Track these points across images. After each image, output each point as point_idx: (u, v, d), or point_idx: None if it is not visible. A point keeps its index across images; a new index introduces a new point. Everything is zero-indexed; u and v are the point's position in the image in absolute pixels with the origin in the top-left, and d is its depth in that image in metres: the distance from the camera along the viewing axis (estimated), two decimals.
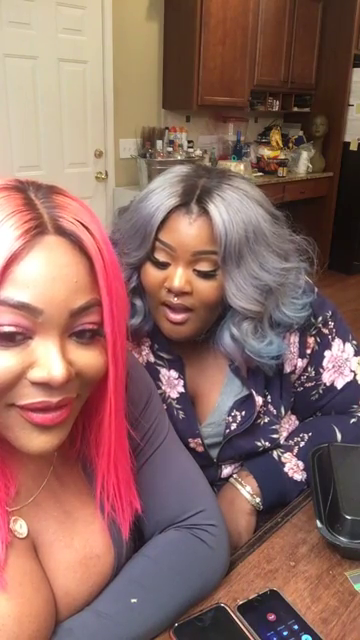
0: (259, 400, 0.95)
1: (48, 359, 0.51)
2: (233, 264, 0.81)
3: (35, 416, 0.53)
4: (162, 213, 0.81)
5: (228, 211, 0.80)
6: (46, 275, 0.50)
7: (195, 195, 0.81)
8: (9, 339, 0.50)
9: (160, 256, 0.84)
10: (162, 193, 0.82)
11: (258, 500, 0.95)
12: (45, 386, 0.51)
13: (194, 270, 0.83)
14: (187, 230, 0.81)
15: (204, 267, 0.83)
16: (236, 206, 0.81)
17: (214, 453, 0.99)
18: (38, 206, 0.51)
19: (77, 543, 0.66)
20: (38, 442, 0.54)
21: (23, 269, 0.49)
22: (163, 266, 0.84)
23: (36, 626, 0.58)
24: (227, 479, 1.01)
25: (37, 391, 0.52)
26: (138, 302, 0.91)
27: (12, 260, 0.49)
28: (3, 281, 0.48)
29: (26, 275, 0.49)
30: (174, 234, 0.82)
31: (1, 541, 0.57)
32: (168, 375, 0.96)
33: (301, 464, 0.98)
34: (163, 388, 0.96)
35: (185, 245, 0.82)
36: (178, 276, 0.82)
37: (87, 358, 0.54)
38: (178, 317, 0.85)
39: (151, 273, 0.85)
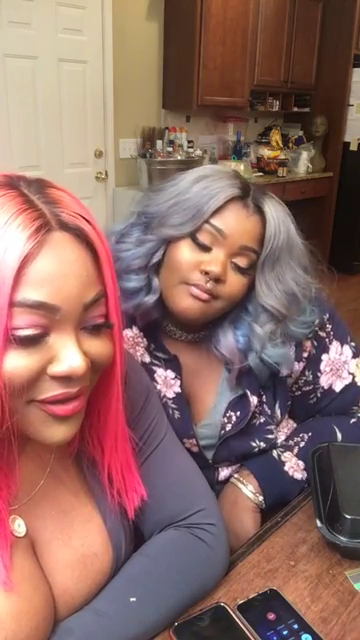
0: (254, 400, 0.95)
1: (67, 353, 0.52)
2: (269, 266, 0.86)
3: (56, 408, 0.54)
4: (223, 198, 0.83)
5: (279, 217, 0.86)
6: (59, 272, 0.50)
7: (251, 192, 0.86)
8: (28, 342, 0.50)
9: (204, 238, 0.84)
10: (222, 181, 0.84)
11: (261, 499, 0.95)
12: (65, 379, 0.53)
13: (232, 262, 0.85)
14: (242, 222, 0.84)
15: (242, 263, 0.86)
16: (283, 214, 0.87)
17: (209, 454, 0.99)
18: (37, 203, 0.52)
19: (75, 541, 0.66)
20: (59, 433, 0.55)
21: (36, 269, 0.50)
22: (204, 249, 0.85)
23: (34, 624, 0.58)
24: (224, 482, 1.01)
25: (57, 384, 0.53)
26: (155, 280, 0.90)
27: (25, 261, 0.49)
28: (18, 283, 0.49)
29: (40, 274, 0.50)
30: (229, 221, 0.84)
31: (5, 542, 0.58)
32: (165, 375, 0.96)
33: (301, 463, 0.98)
34: (159, 388, 0.96)
35: (236, 235, 0.84)
36: (221, 262, 0.84)
37: (98, 347, 0.56)
38: (204, 296, 0.85)
39: (188, 252, 0.85)
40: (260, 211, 0.86)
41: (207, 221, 0.83)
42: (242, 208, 0.84)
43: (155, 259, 0.89)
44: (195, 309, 0.86)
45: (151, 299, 0.90)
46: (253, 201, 0.85)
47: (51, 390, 0.53)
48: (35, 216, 0.50)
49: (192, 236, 0.85)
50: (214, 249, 0.84)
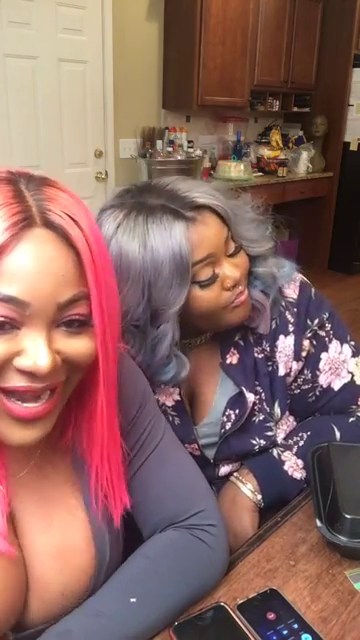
0: (250, 397, 0.95)
1: (35, 349, 0.52)
2: (238, 226, 0.88)
3: (15, 408, 0.53)
4: (185, 238, 0.78)
5: (207, 192, 0.83)
6: (33, 269, 0.50)
7: (177, 207, 0.79)
8: None
9: (204, 274, 0.82)
10: (159, 228, 0.78)
11: (259, 497, 0.95)
12: (30, 374, 0.52)
13: (228, 256, 0.86)
14: (209, 232, 0.82)
15: (232, 248, 0.86)
16: (200, 187, 0.84)
17: (211, 453, 0.99)
18: (27, 198, 0.51)
19: (55, 530, 0.66)
20: (20, 435, 0.55)
21: (10, 262, 0.49)
22: (212, 281, 0.84)
23: (0, 599, 0.58)
24: (225, 478, 1.01)
25: (22, 377, 0.53)
26: (179, 353, 0.87)
27: (1, 254, 0.49)
28: None
29: (13, 268, 0.49)
30: (204, 244, 0.81)
31: (2, 513, 0.58)
32: (163, 385, 0.96)
33: (300, 462, 0.98)
34: (157, 397, 0.96)
35: (217, 244, 0.83)
36: (231, 269, 0.85)
37: (76, 346, 0.55)
38: (244, 296, 0.88)
39: (206, 294, 0.83)
40: (200, 206, 0.81)
41: (193, 265, 0.80)
42: (195, 225, 0.80)
43: (177, 338, 0.84)
44: (248, 308, 0.90)
45: (185, 372, 0.88)
46: (189, 208, 0.80)
47: (15, 381, 0.53)
48: (19, 210, 0.50)
49: (196, 284, 0.82)
50: (217, 269, 0.84)
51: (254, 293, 0.93)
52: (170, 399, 0.96)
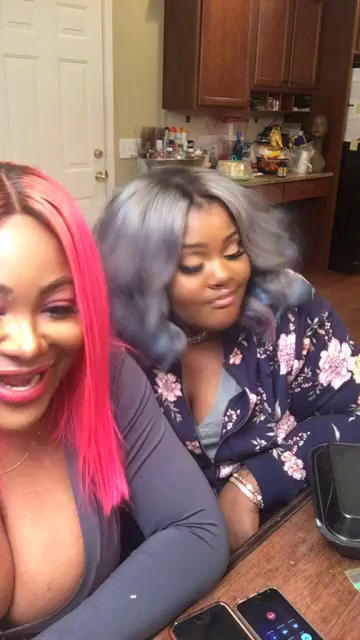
0: (252, 397, 0.95)
1: (19, 334, 0.52)
2: (252, 233, 0.86)
3: (5, 393, 0.54)
4: (182, 217, 0.79)
5: (228, 189, 0.83)
6: (14, 255, 0.51)
7: (192, 190, 0.81)
8: None
9: (191, 261, 0.82)
10: (163, 203, 0.80)
11: (259, 498, 0.95)
12: (16, 358, 0.53)
13: (225, 257, 0.85)
14: (209, 222, 0.82)
15: (233, 250, 0.85)
16: (228, 183, 0.84)
17: (211, 454, 0.99)
18: (7, 186, 0.52)
19: (44, 524, 0.66)
20: (12, 419, 0.56)
21: None
22: (197, 270, 0.83)
23: None
24: (226, 479, 1.01)
25: (9, 362, 0.53)
26: (172, 326, 0.87)
27: None
28: None
29: None
30: (199, 231, 0.81)
31: None
32: (165, 379, 0.96)
33: (300, 463, 0.98)
34: (160, 392, 0.96)
35: (213, 237, 0.82)
36: (220, 268, 0.83)
37: (61, 330, 0.55)
38: (228, 300, 0.85)
39: (188, 282, 0.83)
40: (214, 197, 0.82)
41: (183, 247, 0.81)
42: (199, 210, 0.81)
43: (166, 312, 0.85)
44: (231, 316, 0.87)
45: (180, 344, 0.87)
46: (201, 195, 0.81)
47: (2, 366, 0.53)
48: None
49: (180, 268, 0.83)
50: (206, 263, 0.83)
51: (258, 306, 0.91)
52: (172, 394, 0.96)
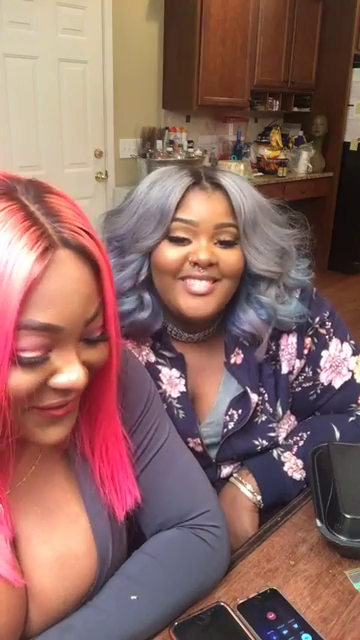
0: (254, 397, 0.95)
1: (68, 367, 0.53)
2: (251, 231, 0.87)
3: (49, 411, 0.55)
4: (179, 191, 0.84)
5: (238, 184, 0.87)
6: (63, 293, 0.50)
7: (203, 174, 0.87)
8: (32, 364, 0.51)
9: (177, 232, 0.86)
10: (172, 177, 0.86)
11: (259, 498, 0.95)
12: (65, 390, 0.54)
13: (216, 242, 0.86)
14: (206, 204, 0.85)
15: (225, 237, 0.86)
16: (240, 181, 0.88)
17: (213, 453, 0.99)
18: (38, 216, 0.50)
19: (55, 540, 0.65)
20: (53, 434, 0.57)
21: (42, 291, 0.49)
22: (183, 242, 0.86)
23: (4, 620, 0.58)
24: (226, 479, 1.01)
25: (57, 394, 0.54)
26: (147, 295, 0.92)
27: (32, 284, 0.48)
28: (24, 306, 0.48)
29: (46, 296, 0.49)
30: (193, 210, 0.85)
31: (6, 540, 0.58)
32: (169, 374, 0.96)
33: (300, 463, 0.98)
34: (163, 387, 0.96)
35: (207, 219, 0.85)
36: (204, 248, 0.85)
37: (96, 355, 0.57)
38: (203, 287, 0.86)
39: (170, 250, 0.86)
40: (219, 186, 0.86)
41: (174, 218, 0.85)
42: (200, 191, 0.86)
43: (142, 276, 0.90)
44: (199, 307, 0.87)
45: (144, 314, 0.91)
46: (209, 181, 0.87)
47: (50, 399, 0.54)
48: (39, 234, 0.49)
49: (167, 237, 0.86)
50: (193, 240, 0.86)
51: (254, 319, 0.92)
52: (175, 390, 0.96)
